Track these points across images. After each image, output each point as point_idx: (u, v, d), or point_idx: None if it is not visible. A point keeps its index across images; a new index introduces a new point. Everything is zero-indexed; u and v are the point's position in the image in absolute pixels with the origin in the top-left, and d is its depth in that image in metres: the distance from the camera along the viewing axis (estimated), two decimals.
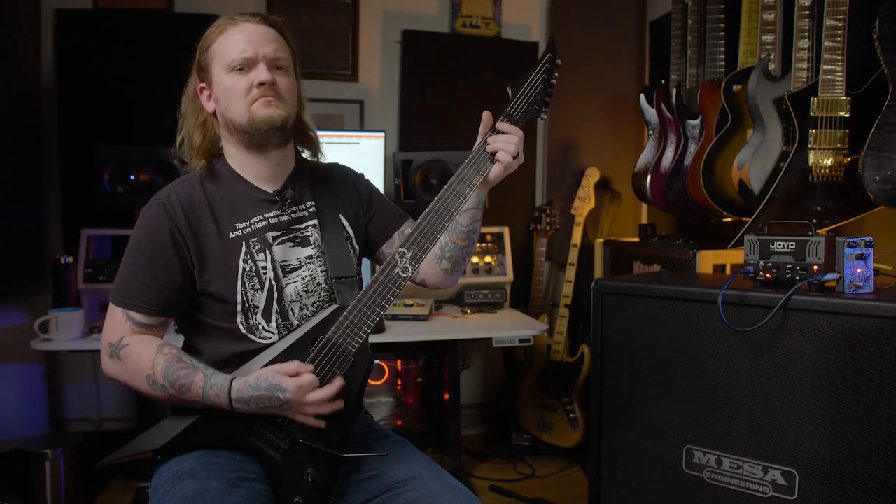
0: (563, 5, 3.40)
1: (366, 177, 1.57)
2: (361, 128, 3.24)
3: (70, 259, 2.49)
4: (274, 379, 1.22)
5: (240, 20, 1.34)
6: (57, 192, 2.87)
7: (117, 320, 1.29)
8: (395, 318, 2.60)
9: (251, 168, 1.38)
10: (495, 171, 1.35)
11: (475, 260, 2.92)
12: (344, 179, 1.51)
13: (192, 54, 1.39)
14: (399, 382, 3.15)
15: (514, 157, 1.34)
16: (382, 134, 2.97)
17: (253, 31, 1.33)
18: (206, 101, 1.37)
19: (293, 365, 1.24)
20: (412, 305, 2.67)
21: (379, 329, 2.44)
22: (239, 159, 1.37)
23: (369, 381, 3.07)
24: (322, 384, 1.25)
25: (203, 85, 1.37)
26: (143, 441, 1.28)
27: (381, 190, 1.60)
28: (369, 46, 3.25)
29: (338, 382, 1.25)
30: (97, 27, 2.83)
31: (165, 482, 1.23)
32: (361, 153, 2.92)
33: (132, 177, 2.55)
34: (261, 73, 1.31)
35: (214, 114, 1.37)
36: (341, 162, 1.57)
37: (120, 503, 2.58)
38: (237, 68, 1.31)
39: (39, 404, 2.86)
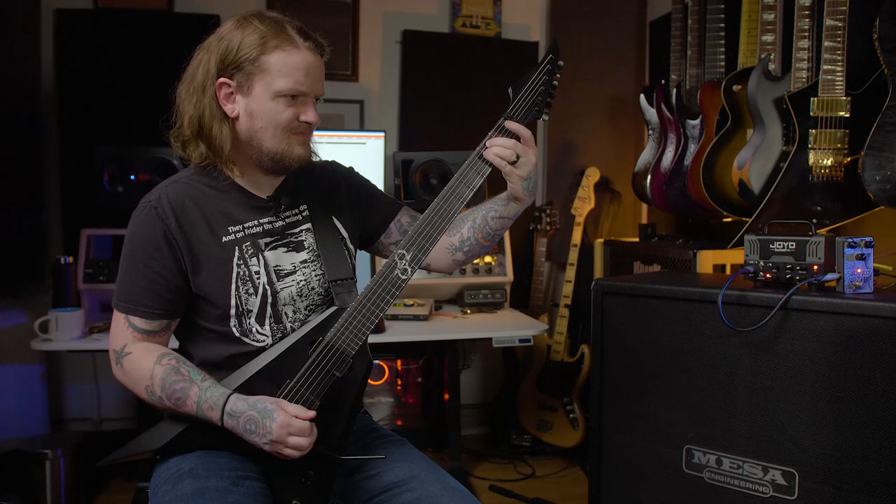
0: (563, 5, 3.40)
1: (356, 170, 1.55)
2: (361, 128, 3.24)
3: (70, 259, 2.49)
4: (270, 406, 1.20)
5: (301, 44, 1.27)
6: (57, 192, 2.87)
7: (120, 327, 1.29)
8: (395, 318, 2.60)
9: (250, 178, 1.36)
10: (515, 186, 1.34)
11: (475, 260, 2.92)
12: (335, 178, 1.49)
13: (204, 37, 1.31)
14: (399, 382, 3.15)
15: (513, 163, 1.30)
16: (382, 134, 2.97)
17: (313, 64, 1.28)
18: (226, 101, 1.28)
19: (298, 408, 1.22)
20: (412, 305, 2.67)
21: (379, 329, 2.44)
22: (241, 169, 1.34)
23: (370, 381, 3.07)
24: (320, 386, 1.25)
25: (227, 81, 1.27)
26: (142, 441, 1.28)
27: (381, 189, 1.59)
28: (369, 46, 3.25)
29: (314, 434, 1.23)
30: (97, 27, 2.83)
31: (165, 482, 1.23)
32: (361, 153, 2.92)
33: (132, 177, 2.55)
34: (310, 112, 1.30)
35: (233, 118, 1.29)
36: (339, 161, 1.55)
37: (120, 503, 2.58)
38: (288, 96, 1.27)
39: (39, 404, 2.86)
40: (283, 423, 1.19)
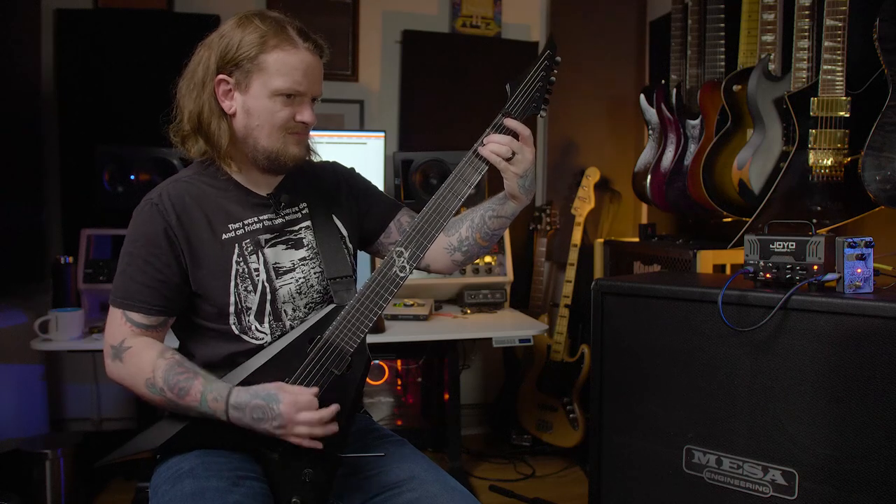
0: (563, 5, 3.40)
1: (357, 171, 1.56)
2: (361, 128, 3.24)
3: (70, 259, 2.49)
4: (273, 390, 1.21)
5: (300, 44, 1.28)
6: (57, 192, 2.87)
7: (117, 322, 1.29)
8: (395, 318, 2.60)
9: (248, 175, 1.36)
10: (511, 184, 1.33)
11: (474, 260, 2.92)
12: (336, 178, 1.50)
13: (206, 35, 1.31)
14: (399, 382, 3.16)
15: (508, 160, 1.30)
16: (382, 134, 2.97)
17: (311, 64, 1.29)
18: (224, 98, 1.29)
19: (299, 387, 1.23)
20: (412, 305, 2.67)
21: (379, 329, 2.44)
22: (238, 166, 1.35)
23: (370, 381, 3.07)
24: (319, 384, 1.25)
25: (226, 79, 1.28)
26: (141, 441, 1.28)
27: (381, 189, 1.59)
28: (369, 46, 3.25)
29: (333, 407, 1.23)
30: (97, 27, 2.84)
31: (165, 482, 1.23)
32: (361, 153, 2.92)
33: (132, 177, 2.55)
34: (306, 112, 1.30)
35: (230, 115, 1.30)
36: (339, 161, 1.55)
37: (120, 503, 2.58)
38: (285, 95, 1.28)
39: (39, 404, 2.86)
40: (290, 402, 1.20)
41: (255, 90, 1.27)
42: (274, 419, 1.20)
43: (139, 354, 1.27)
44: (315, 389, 1.23)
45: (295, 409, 1.20)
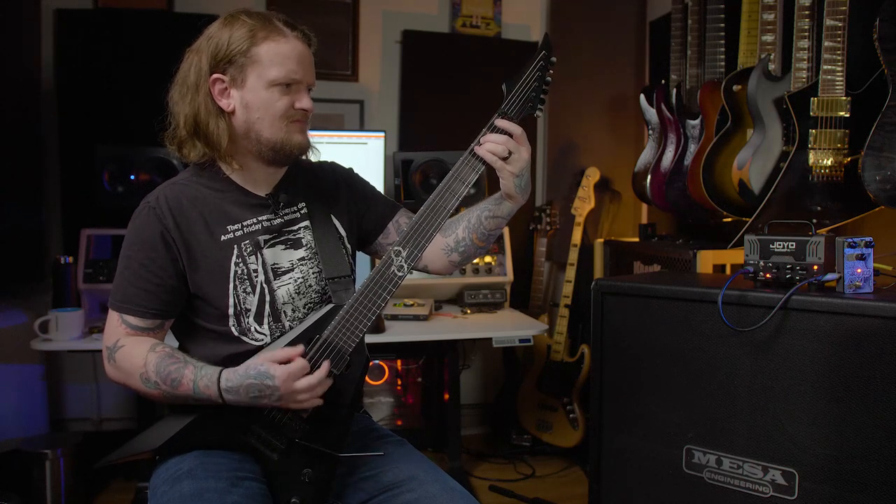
0: (563, 5, 3.40)
1: (356, 171, 1.56)
2: (361, 128, 3.24)
3: (70, 259, 2.49)
4: (263, 367, 1.21)
5: (289, 33, 1.29)
6: (57, 192, 2.87)
7: (114, 324, 1.30)
8: (395, 318, 2.60)
9: (248, 174, 1.36)
10: (507, 183, 1.33)
11: (475, 260, 2.92)
12: (334, 178, 1.50)
13: (196, 37, 1.32)
14: (399, 382, 3.15)
15: (505, 159, 1.30)
16: (382, 134, 2.97)
17: (303, 52, 1.30)
18: (221, 97, 1.29)
19: (284, 352, 1.23)
20: (412, 305, 2.67)
21: (378, 329, 2.44)
22: (240, 163, 1.34)
23: (370, 381, 3.07)
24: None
25: (221, 77, 1.28)
26: (141, 441, 1.29)
27: (382, 189, 1.59)
28: (369, 46, 3.25)
29: (325, 367, 1.24)
30: (97, 27, 2.83)
31: (164, 482, 1.23)
32: (361, 153, 2.92)
33: (132, 177, 2.55)
34: (304, 99, 1.31)
35: (229, 112, 1.30)
36: (339, 161, 1.56)
37: (120, 503, 2.58)
38: (282, 85, 1.28)
39: (39, 404, 2.87)
40: (283, 376, 1.20)
41: (252, 83, 1.28)
42: (272, 394, 1.20)
43: (130, 351, 1.27)
44: (301, 349, 1.23)
45: (291, 379, 1.20)
